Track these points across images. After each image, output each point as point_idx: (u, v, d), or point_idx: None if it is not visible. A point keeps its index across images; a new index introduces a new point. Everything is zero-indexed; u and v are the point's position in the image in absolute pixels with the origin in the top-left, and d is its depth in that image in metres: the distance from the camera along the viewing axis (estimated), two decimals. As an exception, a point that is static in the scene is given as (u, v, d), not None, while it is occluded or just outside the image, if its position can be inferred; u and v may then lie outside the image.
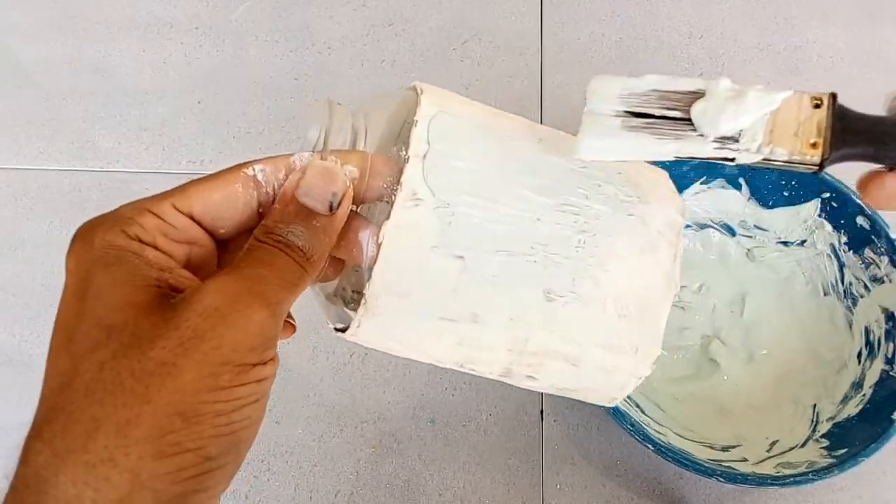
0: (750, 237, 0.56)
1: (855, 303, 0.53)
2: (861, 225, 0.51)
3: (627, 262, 0.27)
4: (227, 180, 0.24)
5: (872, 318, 0.51)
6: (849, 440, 0.47)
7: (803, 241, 0.55)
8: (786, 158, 0.25)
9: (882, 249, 0.51)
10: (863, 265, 0.52)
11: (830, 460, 0.46)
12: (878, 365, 0.50)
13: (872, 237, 0.51)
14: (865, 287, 0.52)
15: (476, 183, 0.25)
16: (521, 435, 0.53)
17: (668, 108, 0.26)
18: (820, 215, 0.53)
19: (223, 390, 0.20)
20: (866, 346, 0.51)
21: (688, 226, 0.57)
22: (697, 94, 0.25)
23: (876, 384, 0.49)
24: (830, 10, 0.69)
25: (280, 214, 0.23)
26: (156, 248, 0.22)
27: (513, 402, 0.54)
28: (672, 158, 0.25)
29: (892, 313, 0.50)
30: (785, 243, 0.56)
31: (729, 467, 0.46)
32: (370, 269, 0.24)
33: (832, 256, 0.54)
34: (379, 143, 0.26)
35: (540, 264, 0.25)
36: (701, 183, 0.54)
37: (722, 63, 0.66)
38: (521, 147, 0.27)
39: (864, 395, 0.49)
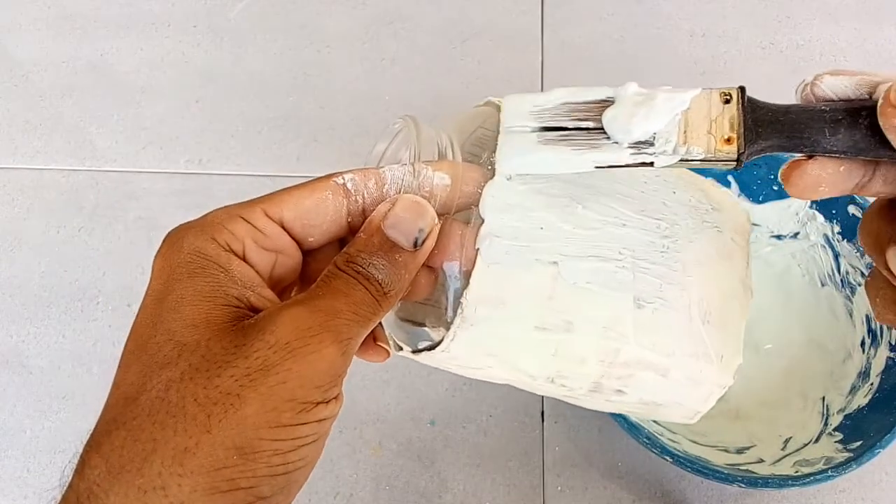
0: None
1: (853, 291, 0.52)
2: (853, 213, 0.51)
3: (707, 268, 0.27)
4: (316, 188, 0.24)
5: None
6: (862, 432, 0.47)
7: (796, 234, 0.55)
8: (702, 157, 0.24)
9: None
10: (858, 253, 0.52)
11: (847, 454, 0.45)
12: (883, 353, 0.50)
13: None
14: (862, 275, 0.52)
15: (567, 188, 0.25)
16: (521, 436, 0.52)
17: (581, 119, 0.25)
18: (811, 207, 0.53)
19: (283, 428, 0.20)
20: (869, 334, 0.51)
21: None
22: (607, 103, 0.25)
23: (883, 372, 0.49)
24: (833, 8, 0.68)
25: (364, 244, 0.23)
26: (244, 258, 0.22)
27: (513, 403, 0.53)
28: (592, 168, 0.25)
29: None
30: (778, 237, 0.55)
31: (748, 471, 0.46)
32: (468, 274, 0.24)
33: (826, 247, 0.53)
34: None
35: (629, 270, 0.25)
36: None
37: (724, 62, 0.66)
38: None
39: (871, 384, 0.49)
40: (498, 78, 0.64)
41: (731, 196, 0.30)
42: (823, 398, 0.51)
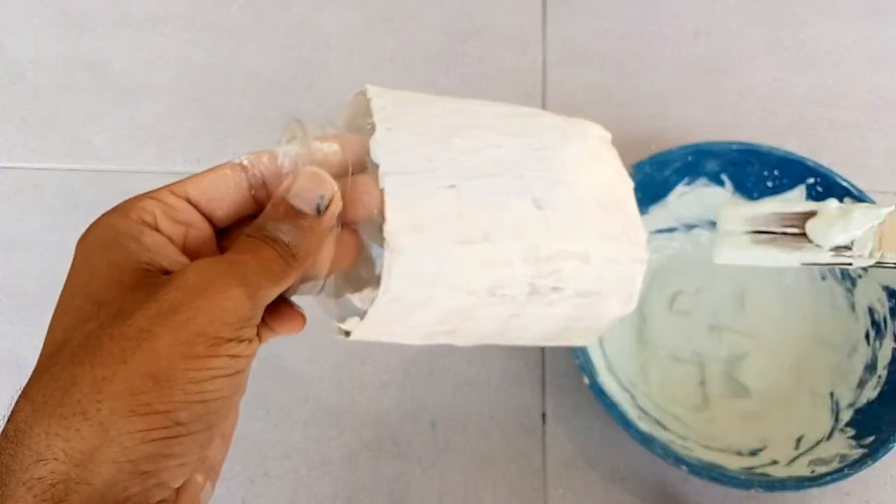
0: None
1: (854, 284, 0.52)
2: None
3: (585, 166, 0.31)
4: (216, 169, 0.26)
5: (874, 297, 0.51)
6: (874, 426, 0.46)
7: None
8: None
9: None
10: None
11: (861, 450, 0.45)
12: (889, 344, 0.49)
13: None
14: (863, 268, 0.51)
15: (440, 128, 0.29)
16: (523, 438, 0.52)
17: (787, 226, 0.34)
18: (807, 200, 0.53)
19: (197, 359, 0.22)
20: (872, 326, 0.51)
21: (675, 228, 0.56)
22: (810, 214, 0.34)
23: (890, 364, 0.48)
24: (837, 6, 0.68)
25: (270, 213, 0.25)
26: (156, 227, 0.24)
27: (515, 404, 0.53)
28: (798, 265, 0.34)
29: (894, 291, 0.49)
30: None
31: (763, 474, 0.46)
32: (382, 213, 0.26)
33: None
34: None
35: (519, 180, 0.29)
36: (684, 184, 0.54)
37: (727, 60, 0.65)
38: (461, 103, 0.31)
39: (879, 376, 0.49)
40: (499, 76, 0.64)
41: (584, 120, 0.34)
42: (832, 393, 0.51)
